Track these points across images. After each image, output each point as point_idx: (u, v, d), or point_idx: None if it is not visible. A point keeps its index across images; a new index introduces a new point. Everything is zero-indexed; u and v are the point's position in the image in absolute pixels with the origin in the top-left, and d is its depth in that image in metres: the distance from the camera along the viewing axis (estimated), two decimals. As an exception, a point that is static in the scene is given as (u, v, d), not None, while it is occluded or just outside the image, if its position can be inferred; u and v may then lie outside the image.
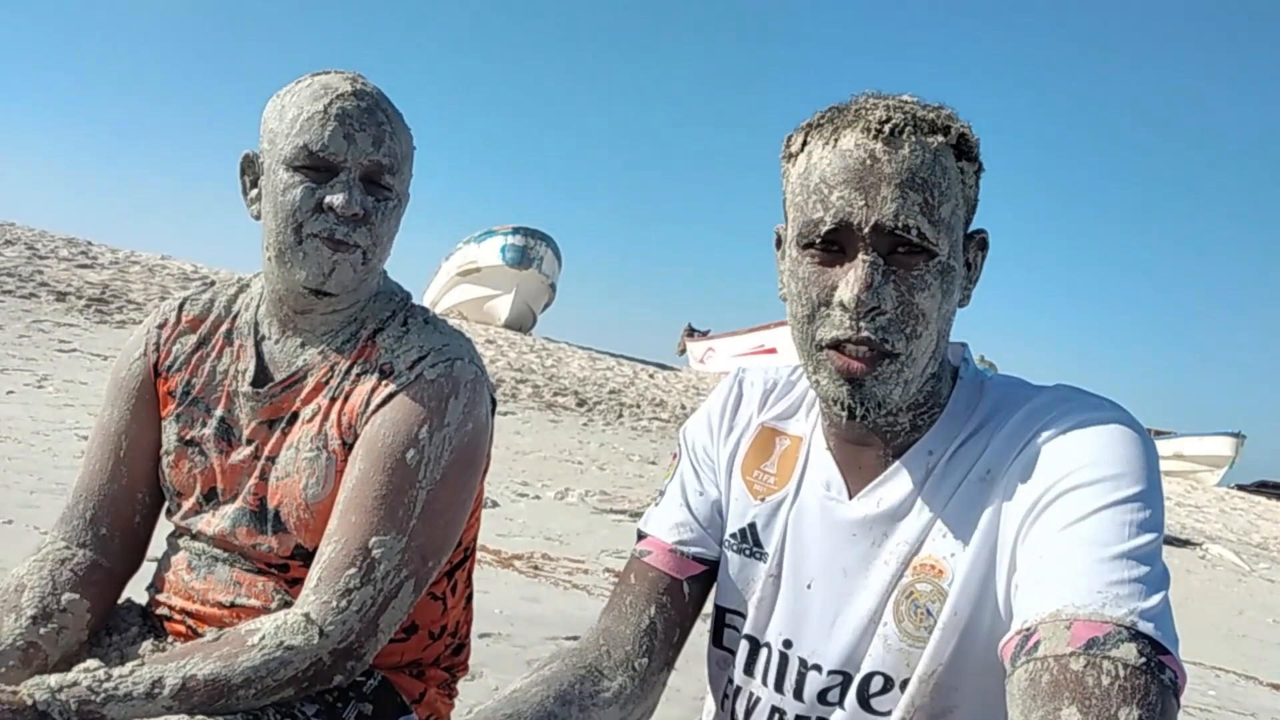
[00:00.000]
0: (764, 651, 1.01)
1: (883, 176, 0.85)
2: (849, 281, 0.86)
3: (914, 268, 0.87)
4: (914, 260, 0.87)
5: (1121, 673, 0.70)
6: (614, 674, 1.00)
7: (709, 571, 1.07)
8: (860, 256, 0.86)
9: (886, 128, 0.86)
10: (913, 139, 0.86)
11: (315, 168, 1.18)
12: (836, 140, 0.88)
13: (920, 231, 0.86)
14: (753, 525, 1.04)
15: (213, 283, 1.38)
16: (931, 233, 0.86)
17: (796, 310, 0.92)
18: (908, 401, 0.93)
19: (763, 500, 1.04)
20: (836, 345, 0.88)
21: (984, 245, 0.97)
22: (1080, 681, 0.71)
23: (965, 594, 0.89)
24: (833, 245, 0.89)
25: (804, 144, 0.92)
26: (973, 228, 0.96)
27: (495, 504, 5.93)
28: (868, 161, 0.86)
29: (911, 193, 0.85)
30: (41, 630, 1.17)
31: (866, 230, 0.86)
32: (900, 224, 0.85)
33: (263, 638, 1.08)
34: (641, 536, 1.10)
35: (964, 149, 0.90)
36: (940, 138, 0.88)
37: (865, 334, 0.86)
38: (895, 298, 0.87)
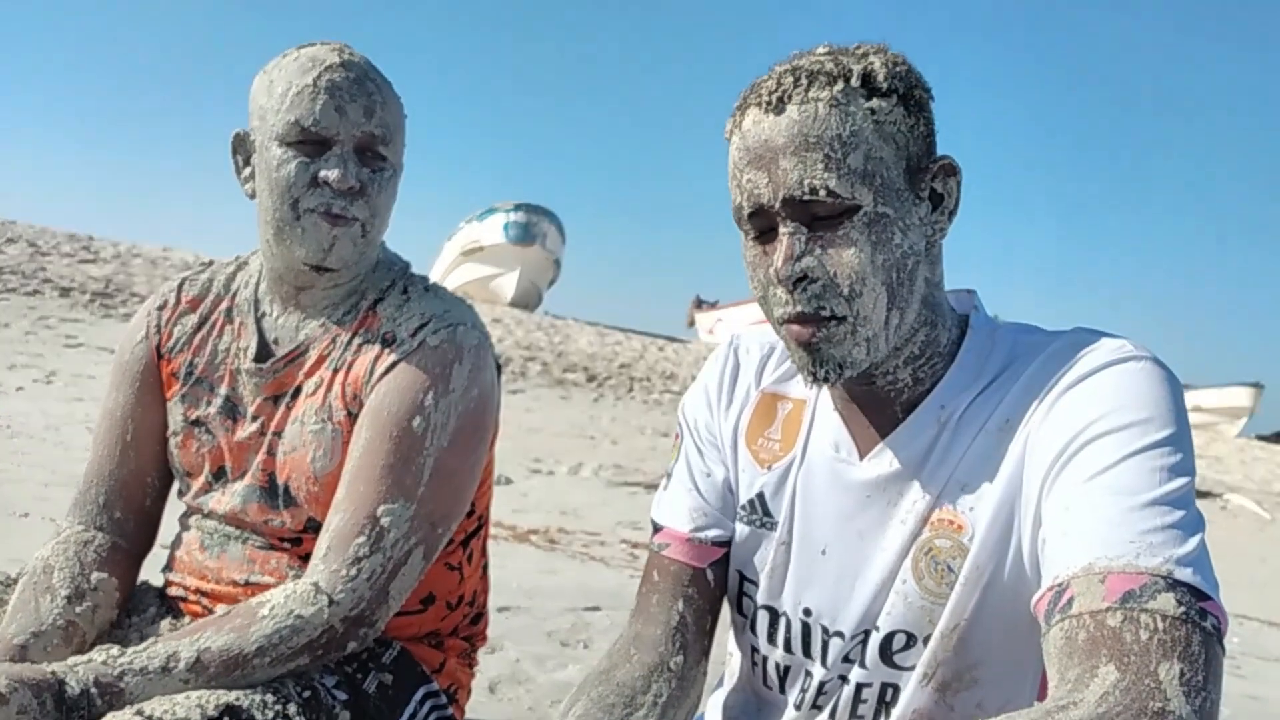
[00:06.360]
0: (783, 621, 1.00)
1: (776, 149, 0.86)
2: (775, 259, 0.87)
3: (839, 227, 0.86)
4: (837, 220, 0.86)
5: (1160, 625, 0.69)
6: (647, 685, 0.96)
7: (730, 552, 1.05)
8: (780, 230, 0.87)
9: (774, 98, 0.86)
10: (797, 100, 0.85)
11: (308, 142, 1.16)
12: (742, 122, 0.89)
13: (829, 189, 0.84)
14: (761, 495, 1.02)
15: (210, 263, 1.37)
16: (843, 187, 0.84)
17: (754, 292, 0.93)
18: (883, 355, 0.90)
19: (769, 468, 1.02)
20: (789, 320, 0.88)
21: (951, 171, 0.92)
22: (1118, 637, 0.69)
23: (986, 548, 0.87)
24: (762, 225, 0.89)
25: (731, 130, 0.92)
26: (937, 155, 0.91)
27: (509, 480, 5.94)
28: (762, 137, 0.87)
29: (808, 154, 0.84)
30: (78, 609, 1.18)
31: (777, 205, 0.86)
32: (806, 189, 0.84)
33: (273, 607, 1.08)
34: (657, 528, 1.07)
35: (873, 87, 0.87)
36: (839, 85, 0.85)
37: (799, 307, 0.86)
38: (824, 262, 0.86)
